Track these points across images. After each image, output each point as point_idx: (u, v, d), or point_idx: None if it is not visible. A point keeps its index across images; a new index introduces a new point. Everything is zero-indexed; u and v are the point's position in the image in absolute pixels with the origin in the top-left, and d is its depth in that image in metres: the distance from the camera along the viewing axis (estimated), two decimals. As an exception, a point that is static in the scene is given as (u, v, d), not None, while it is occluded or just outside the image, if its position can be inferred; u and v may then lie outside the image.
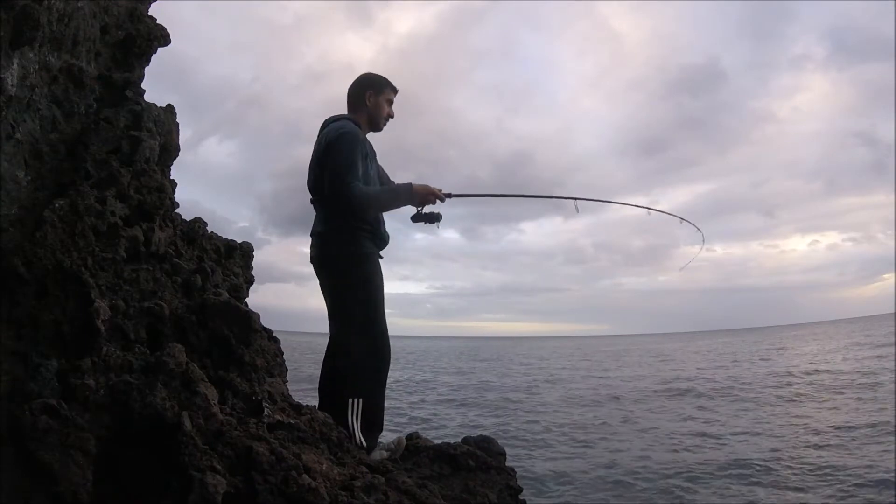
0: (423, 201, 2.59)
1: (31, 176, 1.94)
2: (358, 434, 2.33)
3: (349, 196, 2.37)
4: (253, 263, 2.88)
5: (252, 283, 2.82)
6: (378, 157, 2.73)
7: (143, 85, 2.52)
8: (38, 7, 1.82)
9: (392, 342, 2.59)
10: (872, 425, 9.77)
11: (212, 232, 2.73)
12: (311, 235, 2.61)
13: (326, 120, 2.68)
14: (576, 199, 2.78)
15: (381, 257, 2.64)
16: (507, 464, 2.50)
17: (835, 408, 12.22)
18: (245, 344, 2.14)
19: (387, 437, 2.61)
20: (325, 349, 2.61)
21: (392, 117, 2.77)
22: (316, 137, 2.66)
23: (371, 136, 2.72)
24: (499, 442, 2.65)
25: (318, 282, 2.61)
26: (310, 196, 2.64)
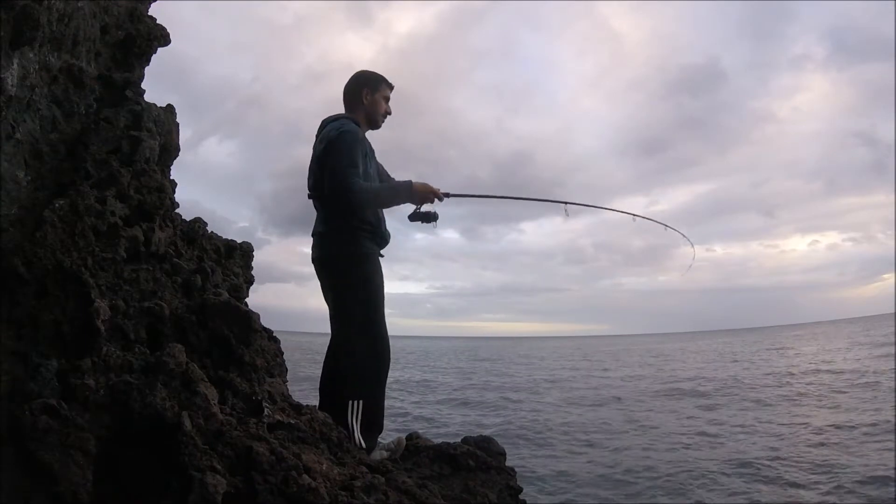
0: (423, 199, 2.59)
1: (31, 176, 1.94)
2: (357, 435, 2.33)
3: (350, 192, 2.36)
4: (253, 263, 2.88)
5: (252, 283, 2.82)
6: (377, 157, 2.73)
7: (143, 85, 2.52)
8: (38, 7, 1.82)
9: (392, 342, 2.59)
10: (872, 424, 9.78)
11: (212, 232, 2.73)
12: (312, 236, 2.61)
13: (325, 120, 2.68)
14: (566, 203, 2.86)
15: (382, 256, 2.64)
16: (508, 464, 2.50)
17: (835, 406, 12.24)
18: (245, 344, 2.14)
19: (387, 437, 2.61)
20: (325, 349, 2.61)
21: (389, 114, 2.77)
22: (315, 138, 2.66)
23: (370, 136, 2.73)
24: (499, 442, 2.65)
25: (318, 282, 2.61)
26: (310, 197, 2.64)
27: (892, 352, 22.41)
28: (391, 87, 2.75)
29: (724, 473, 7.37)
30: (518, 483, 2.38)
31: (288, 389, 2.39)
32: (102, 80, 2.32)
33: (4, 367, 1.65)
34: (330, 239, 2.53)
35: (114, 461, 1.55)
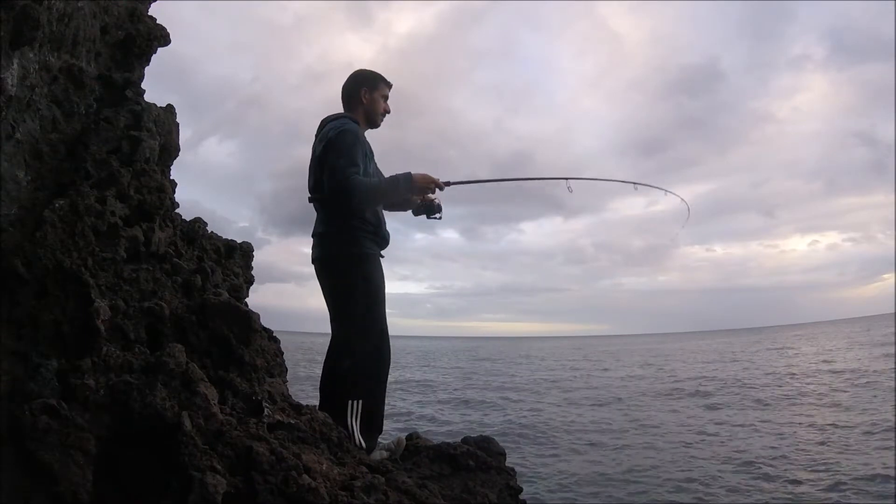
0: (423, 190, 2.59)
1: (31, 176, 1.94)
2: (357, 436, 2.33)
3: (350, 187, 2.35)
4: (253, 263, 2.88)
5: (252, 283, 2.82)
6: (377, 157, 2.72)
7: (143, 85, 2.52)
8: (38, 7, 1.82)
9: (392, 342, 2.59)
10: (872, 423, 9.80)
11: (212, 232, 2.72)
12: (313, 237, 2.61)
13: (324, 119, 2.67)
14: (567, 178, 2.90)
15: (383, 256, 2.63)
16: (508, 463, 2.49)
17: (835, 405, 12.25)
18: (245, 344, 2.14)
19: (387, 437, 2.61)
20: (325, 349, 2.61)
21: (388, 112, 2.77)
22: (314, 138, 2.66)
23: (370, 136, 2.72)
24: (499, 442, 2.65)
25: (318, 282, 2.60)
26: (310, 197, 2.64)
27: (892, 352, 22.42)
28: (389, 86, 2.75)
29: (725, 472, 7.38)
30: (518, 483, 2.38)
31: (288, 389, 2.39)
32: (102, 80, 2.32)
33: (4, 367, 1.65)
34: (330, 239, 2.53)
35: (114, 461, 1.55)
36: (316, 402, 2.44)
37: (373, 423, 2.43)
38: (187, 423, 1.60)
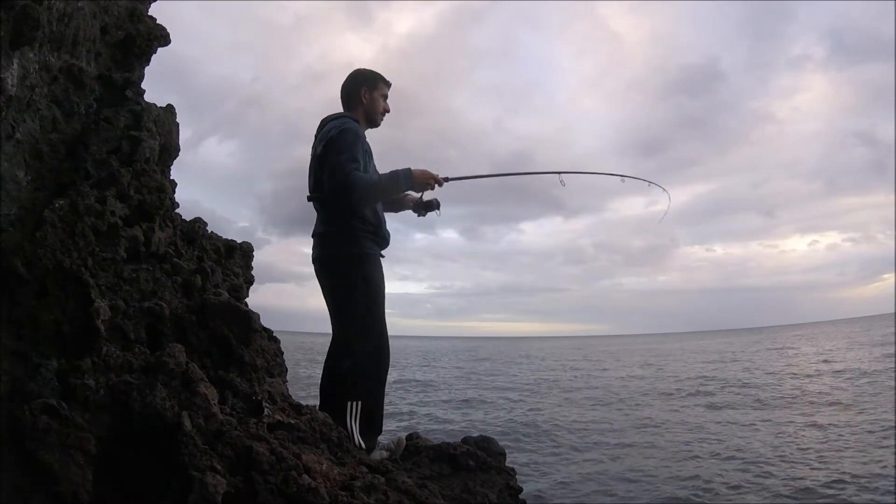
0: (423, 186, 2.59)
1: (31, 176, 1.94)
2: (357, 436, 2.33)
3: (351, 183, 2.35)
4: (253, 263, 2.88)
5: (252, 283, 2.82)
6: (376, 157, 2.72)
7: (143, 85, 2.52)
8: (38, 7, 1.82)
9: (392, 342, 2.59)
10: (872, 423, 9.81)
11: (212, 232, 2.72)
12: (313, 237, 2.61)
13: (324, 119, 2.67)
14: (559, 172, 2.96)
15: (383, 256, 2.63)
16: (508, 464, 2.50)
17: (835, 405, 12.25)
18: (245, 344, 2.14)
19: (387, 437, 2.61)
20: (325, 349, 2.61)
21: (388, 112, 2.77)
22: (314, 138, 2.66)
23: (369, 136, 2.72)
24: (499, 442, 2.65)
25: (318, 282, 2.60)
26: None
27: (892, 352, 22.43)
28: (389, 85, 2.75)
29: (725, 471, 7.39)
30: (518, 483, 2.39)
31: (288, 389, 2.39)
32: (102, 80, 2.32)
33: (4, 367, 1.65)
34: (331, 239, 2.53)
35: (114, 461, 1.55)
36: (316, 402, 2.44)
37: (372, 423, 2.43)
38: (187, 423, 1.60)
